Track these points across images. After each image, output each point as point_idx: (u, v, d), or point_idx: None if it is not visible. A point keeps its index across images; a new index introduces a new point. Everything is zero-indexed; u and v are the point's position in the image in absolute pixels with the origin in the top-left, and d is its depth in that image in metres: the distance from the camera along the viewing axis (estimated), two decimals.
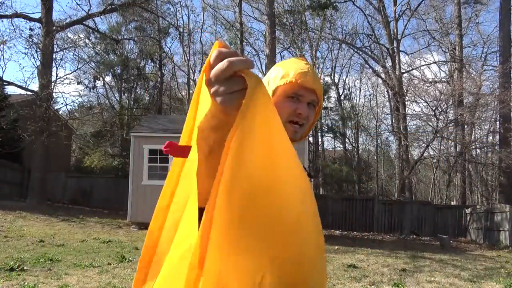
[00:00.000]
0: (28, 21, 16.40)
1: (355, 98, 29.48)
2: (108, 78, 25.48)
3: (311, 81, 1.16)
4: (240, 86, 0.74)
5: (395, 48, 23.13)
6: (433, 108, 18.79)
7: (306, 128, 1.21)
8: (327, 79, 26.89)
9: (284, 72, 1.18)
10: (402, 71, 23.34)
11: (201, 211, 0.85)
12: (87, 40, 22.79)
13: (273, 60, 18.87)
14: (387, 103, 26.27)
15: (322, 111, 23.55)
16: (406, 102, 21.87)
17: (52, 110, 16.79)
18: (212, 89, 0.75)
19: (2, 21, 16.40)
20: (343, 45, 25.85)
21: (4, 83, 16.67)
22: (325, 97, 23.22)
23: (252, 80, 0.74)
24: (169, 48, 33.65)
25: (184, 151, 0.96)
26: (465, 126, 21.04)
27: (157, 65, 26.17)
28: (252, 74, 0.75)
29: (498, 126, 20.73)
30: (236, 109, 0.76)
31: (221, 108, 0.76)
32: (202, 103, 0.90)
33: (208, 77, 0.74)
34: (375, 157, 28.14)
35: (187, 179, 0.96)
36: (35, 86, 25.06)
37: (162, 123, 14.32)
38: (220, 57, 0.73)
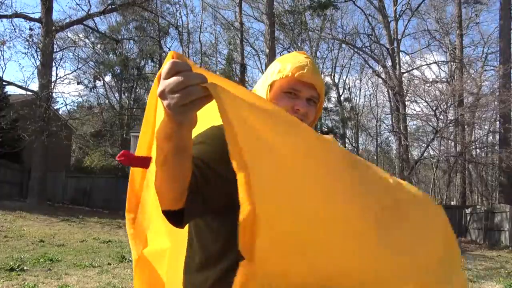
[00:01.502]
0: (28, 21, 16.39)
1: (355, 98, 29.51)
2: (108, 78, 25.51)
3: (310, 75, 1.09)
4: (193, 97, 0.73)
5: (395, 48, 23.12)
6: (433, 108, 18.77)
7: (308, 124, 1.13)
8: (328, 79, 26.89)
9: (281, 66, 1.12)
10: (402, 71, 23.34)
11: (168, 212, 0.89)
12: (87, 40, 22.79)
13: (272, 60, 18.85)
14: (387, 103, 26.28)
15: (322, 111, 23.60)
16: (406, 102, 21.87)
17: (52, 110, 16.78)
18: (165, 102, 0.74)
19: (2, 21, 16.39)
20: (343, 45, 25.85)
21: (4, 83, 16.66)
22: (326, 97, 23.22)
23: (212, 89, 0.74)
24: (169, 48, 33.63)
25: (143, 162, 0.94)
26: (465, 126, 21.03)
27: (157, 65, 26.18)
28: (211, 84, 0.74)
29: (498, 126, 20.72)
30: (189, 120, 0.77)
31: (174, 119, 0.76)
32: (160, 113, 0.89)
33: (162, 89, 0.73)
34: (375, 157, 28.14)
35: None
36: (35, 86, 25.07)
37: None
38: (174, 70, 0.73)
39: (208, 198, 0.92)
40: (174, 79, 0.72)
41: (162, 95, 0.74)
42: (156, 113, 0.95)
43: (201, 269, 1.04)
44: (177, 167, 0.83)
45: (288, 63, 1.11)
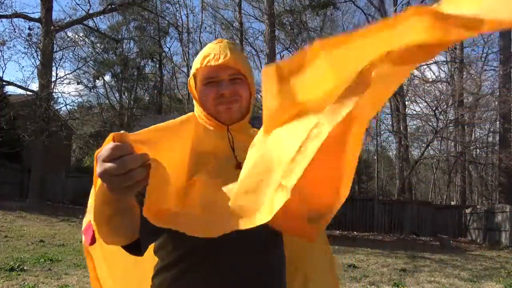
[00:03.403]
0: (27, 21, 16.39)
1: None
2: (107, 78, 25.50)
3: (219, 58, 1.06)
4: (134, 181, 0.73)
5: None
6: (433, 108, 18.78)
7: (245, 103, 1.12)
8: None
9: (195, 60, 1.13)
10: None
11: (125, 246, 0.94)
12: (86, 40, 22.79)
13: (273, 60, 18.86)
14: (387, 103, 26.26)
15: None
16: (406, 102, 21.88)
17: (52, 110, 16.78)
18: (105, 184, 0.74)
19: (1, 21, 16.40)
20: None
21: (4, 83, 16.65)
22: None
23: (154, 168, 0.77)
24: (169, 48, 33.64)
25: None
26: (465, 126, 21.03)
27: (157, 65, 26.18)
28: (153, 163, 0.77)
29: (498, 126, 20.72)
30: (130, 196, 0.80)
31: (115, 196, 0.77)
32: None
33: (101, 172, 0.73)
34: (375, 157, 28.14)
35: None
36: (35, 86, 25.07)
37: None
38: (114, 155, 0.73)
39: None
40: (113, 165, 0.72)
41: (102, 178, 0.74)
42: None
43: (160, 272, 1.10)
44: (125, 222, 0.86)
45: (199, 57, 1.11)
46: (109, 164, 0.72)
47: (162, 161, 0.85)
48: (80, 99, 24.48)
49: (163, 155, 0.88)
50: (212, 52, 1.08)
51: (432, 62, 26.19)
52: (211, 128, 1.12)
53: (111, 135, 0.77)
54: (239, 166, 1.03)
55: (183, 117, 1.06)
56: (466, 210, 16.19)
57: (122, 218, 0.85)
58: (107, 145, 0.74)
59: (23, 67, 46.98)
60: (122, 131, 0.78)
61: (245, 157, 1.04)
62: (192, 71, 1.13)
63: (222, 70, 1.07)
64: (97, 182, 0.86)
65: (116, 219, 0.84)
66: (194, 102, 1.15)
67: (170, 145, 0.95)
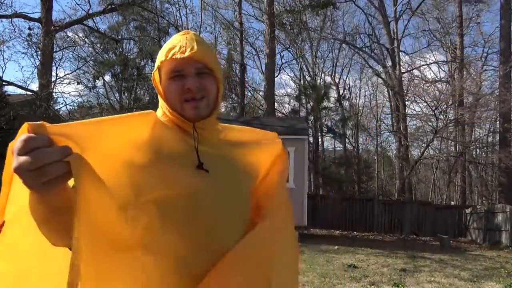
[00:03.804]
0: (27, 21, 16.40)
1: (356, 98, 29.48)
2: (107, 78, 25.50)
3: (185, 50, 0.99)
4: (51, 176, 0.67)
5: (395, 48, 23.12)
6: (433, 108, 18.78)
7: (212, 99, 1.05)
8: (328, 79, 26.91)
9: (160, 53, 1.04)
10: (403, 71, 23.34)
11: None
12: (86, 40, 22.79)
13: (272, 60, 18.86)
14: (387, 103, 26.27)
15: (322, 111, 23.63)
16: (406, 102, 21.89)
17: (52, 110, 16.78)
18: (21, 179, 0.68)
19: (1, 21, 16.40)
20: (344, 45, 25.85)
21: (4, 83, 16.65)
22: (325, 96, 23.20)
23: (75, 164, 0.69)
24: None
25: None
26: (465, 126, 21.03)
27: None
28: (75, 157, 0.70)
29: (498, 126, 20.72)
30: (54, 193, 0.71)
31: (36, 193, 0.71)
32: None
33: (16, 167, 0.67)
34: (375, 157, 28.13)
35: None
36: (35, 86, 25.06)
37: None
38: (27, 148, 0.66)
39: None
40: (27, 158, 0.66)
41: (17, 172, 0.67)
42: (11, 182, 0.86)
43: None
44: (68, 222, 0.74)
45: (163, 49, 1.03)
46: (23, 158, 0.66)
47: (95, 162, 0.76)
48: (80, 99, 24.48)
49: (99, 154, 0.81)
50: (177, 44, 1.01)
51: (432, 62, 26.23)
52: (175, 124, 1.04)
53: (25, 125, 0.70)
54: (200, 166, 0.98)
55: (141, 112, 0.96)
56: (466, 210, 16.18)
57: (63, 218, 0.75)
58: (21, 136, 0.68)
59: (22, 67, 47.13)
60: (40, 122, 0.71)
61: (208, 157, 1.00)
62: (156, 64, 1.04)
63: (188, 64, 1.00)
64: (12, 177, 0.79)
65: (56, 218, 0.76)
66: (159, 97, 1.06)
67: (112, 142, 0.87)
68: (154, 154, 0.94)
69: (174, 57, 0.99)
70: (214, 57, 1.06)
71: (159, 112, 1.07)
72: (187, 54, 0.98)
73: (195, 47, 1.00)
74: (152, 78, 1.08)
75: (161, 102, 1.07)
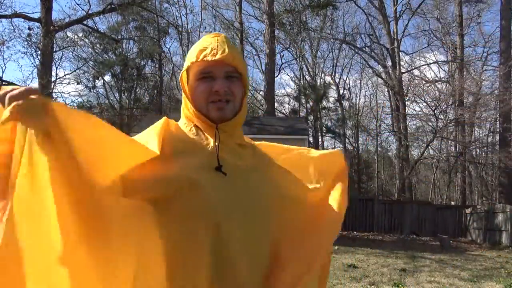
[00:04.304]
0: (27, 21, 16.39)
1: (356, 98, 29.48)
2: (107, 78, 25.50)
3: (217, 53, 1.01)
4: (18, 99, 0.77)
5: (395, 48, 23.11)
6: (433, 108, 18.77)
7: (238, 102, 1.06)
8: (328, 79, 26.90)
9: (190, 53, 1.06)
10: (403, 70, 23.34)
11: None
12: (86, 40, 22.79)
13: (272, 60, 18.84)
14: (388, 103, 26.27)
15: (322, 111, 23.63)
16: (406, 102, 21.87)
17: None
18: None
19: (1, 21, 16.40)
20: (344, 45, 25.84)
21: (4, 83, 16.65)
22: (325, 97, 23.20)
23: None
24: (169, 49, 33.65)
25: None
26: (465, 126, 21.02)
27: (157, 65, 26.17)
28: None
29: (498, 126, 20.71)
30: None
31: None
32: None
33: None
34: (375, 157, 28.13)
35: None
36: (34, 86, 25.01)
37: None
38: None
39: None
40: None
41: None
42: None
43: None
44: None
45: (195, 50, 1.05)
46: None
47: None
48: (80, 99, 24.48)
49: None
50: (209, 46, 1.02)
51: (432, 62, 26.22)
52: (196, 127, 1.07)
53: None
54: (218, 168, 0.99)
55: (154, 124, 1.04)
56: (466, 210, 16.17)
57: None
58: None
59: (21, 66, 47.13)
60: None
61: (227, 159, 1.01)
62: (186, 64, 1.06)
63: (218, 66, 1.02)
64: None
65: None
66: (183, 97, 1.08)
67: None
68: (171, 153, 0.99)
69: (205, 59, 1.01)
70: (244, 62, 1.07)
71: (181, 116, 1.11)
72: (218, 56, 1.00)
73: (227, 50, 1.02)
74: (180, 78, 1.10)
75: (184, 103, 1.09)
